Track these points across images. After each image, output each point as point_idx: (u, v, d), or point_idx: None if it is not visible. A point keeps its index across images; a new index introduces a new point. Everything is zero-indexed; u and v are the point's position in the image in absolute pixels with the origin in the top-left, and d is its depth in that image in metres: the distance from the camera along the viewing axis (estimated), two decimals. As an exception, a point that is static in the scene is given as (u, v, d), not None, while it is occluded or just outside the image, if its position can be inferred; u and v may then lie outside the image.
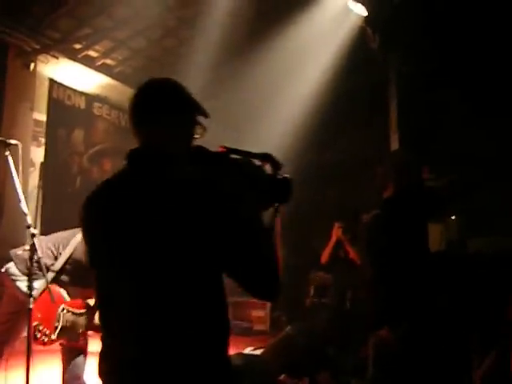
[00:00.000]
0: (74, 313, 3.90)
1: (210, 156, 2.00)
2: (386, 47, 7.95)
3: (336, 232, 4.54)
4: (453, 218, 16.33)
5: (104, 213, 1.88)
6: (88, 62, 9.62)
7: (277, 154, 2.16)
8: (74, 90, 9.44)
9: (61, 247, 3.93)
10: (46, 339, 3.76)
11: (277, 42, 7.81)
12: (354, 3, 7.26)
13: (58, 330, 3.82)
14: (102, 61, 9.86)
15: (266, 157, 2.09)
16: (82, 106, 9.66)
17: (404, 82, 8.40)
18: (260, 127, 7.90)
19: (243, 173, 2.01)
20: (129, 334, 1.80)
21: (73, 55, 9.35)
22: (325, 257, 5.32)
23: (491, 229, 16.42)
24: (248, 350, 5.58)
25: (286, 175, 2.12)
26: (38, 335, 3.72)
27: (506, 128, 13.53)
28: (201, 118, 2.04)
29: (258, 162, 2.08)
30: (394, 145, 7.92)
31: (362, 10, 7.24)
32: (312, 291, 8.42)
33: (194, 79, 8.38)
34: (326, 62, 8.11)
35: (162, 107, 1.96)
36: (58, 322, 3.84)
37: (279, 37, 7.77)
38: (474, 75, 11.19)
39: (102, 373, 1.87)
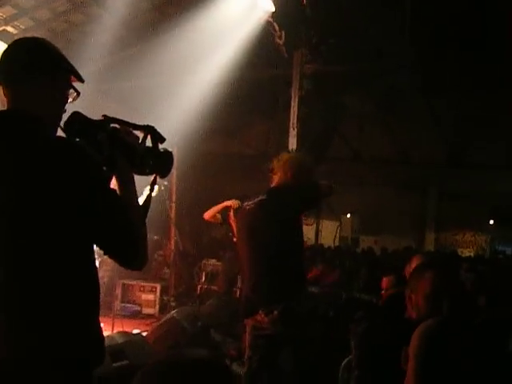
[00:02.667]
0: None
1: (87, 122, 1.95)
2: (292, 44, 8.13)
3: (233, 203, 4.56)
4: (348, 216, 16.97)
5: None
6: (6, 37, 9.13)
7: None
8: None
9: None
10: None
11: (185, 29, 7.77)
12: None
13: None
14: (2, 27, 9.41)
15: (147, 128, 2.07)
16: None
17: (306, 81, 8.63)
18: (164, 113, 7.83)
19: (121, 141, 1.98)
20: None
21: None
22: (208, 214, 5.31)
23: (381, 228, 17.18)
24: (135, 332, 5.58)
25: (167, 149, 2.13)
26: None
27: (403, 132, 14.24)
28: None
29: (139, 134, 2.06)
30: (292, 140, 8.13)
31: (269, 5, 7.32)
32: (203, 277, 8.54)
33: (100, 59, 8.22)
34: (233, 53, 8.15)
35: (29, 66, 1.87)
36: None
37: (188, 23, 7.74)
38: (375, 79, 11.70)
39: None
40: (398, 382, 2.27)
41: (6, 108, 1.90)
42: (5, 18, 9.26)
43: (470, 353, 2.15)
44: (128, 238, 1.84)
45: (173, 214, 8.55)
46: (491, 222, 17.40)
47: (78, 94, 2.01)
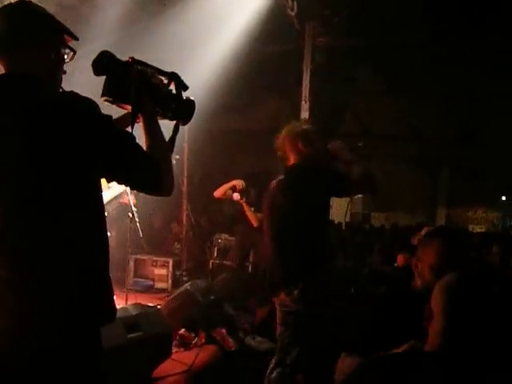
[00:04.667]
0: None
1: (115, 60, 1.99)
2: (304, 16, 8.02)
3: (237, 183, 4.54)
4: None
5: None
6: None
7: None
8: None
9: None
10: None
11: (193, 2, 7.69)
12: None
13: None
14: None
15: (172, 76, 2.13)
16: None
17: (318, 54, 8.53)
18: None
19: (147, 80, 2.03)
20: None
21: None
22: (218, 192, 5.29)
23: (392, 204, 17.12)
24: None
25: (189, 97, 2.19)
26: None
27: (414, 108, 14.11)
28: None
29: (163, 79, 2.12)
30: (304, 114, 8.06)
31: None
32: (215, 252, 8.55)
33: (110, 34, 8.15)
34: (244, 26, 8.04)
35: (15, 31, 1.88)
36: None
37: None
38: (387, 53, 11.55)
39: None
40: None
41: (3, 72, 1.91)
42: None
43: (493, 301, 2.13)
44: (148, 168, 1.88)
45: (185, 189, 8.56)
46: (503, 198, 17.28)
47: (75, 52, 2.02)
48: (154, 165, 1.89)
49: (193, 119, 2.22)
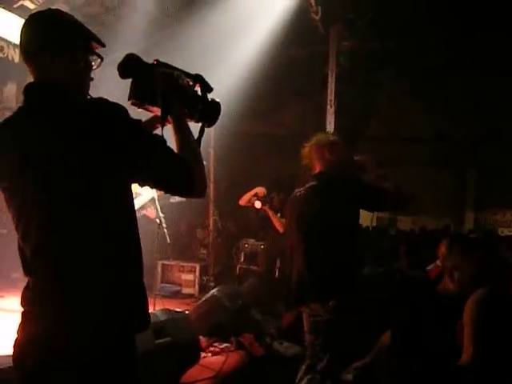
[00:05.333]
0: None
1: (142, 62, 2.00)
2: (328, 20, 8.00)
3: (259, 190, 4.54)
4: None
5: (13, 143, 1.86)
6: (25, 12, 9.23)
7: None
8: (8, 42, 9.09)
9: None
10: None
11: (218, 7, 7.72)
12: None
13: None
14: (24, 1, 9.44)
15: (197, 78, 2.13)
16: (16, 59, 9.32)
17: (343, 58, 8.50)
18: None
19: (173, 82, 2.03)
20: (41, 260, 1.82)
21: (8, 4, 8.98)
22: (242, 200, 5.29)
23: (418, 208, 16.97)
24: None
25: (215, 99, 2.18)
26: None
27: (440, 110, 13.96)
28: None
29: (189, 81, 2.12)
30: (330, 118, 8.04)
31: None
32: (242, 258, 8.54)
33: (135, 43, 8.22)
34: (269, 30, 8.07)
35: (46, 40, 1.89)
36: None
37: (221, 1, 7.69)
38: (411, 57, 11.48)
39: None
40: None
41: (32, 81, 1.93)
42: (41, 3, 9.32)
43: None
44: (180, 169, 1.88)
45: (211, 194, 8.58)
46: (532, 199, 17.00)
47: (102, 59, 2.02)
48: (185, 166, 1.89)
49: (218, 122, 2.22)
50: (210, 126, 2.20)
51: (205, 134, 2.16)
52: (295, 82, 10.57)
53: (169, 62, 2.09)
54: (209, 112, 2.16)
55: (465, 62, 11.21)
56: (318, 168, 3.80)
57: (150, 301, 6.14)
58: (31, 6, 9.27)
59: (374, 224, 15.26)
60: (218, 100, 2.19)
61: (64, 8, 9.54)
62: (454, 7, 8.60)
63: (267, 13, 7.77)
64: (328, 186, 3.67)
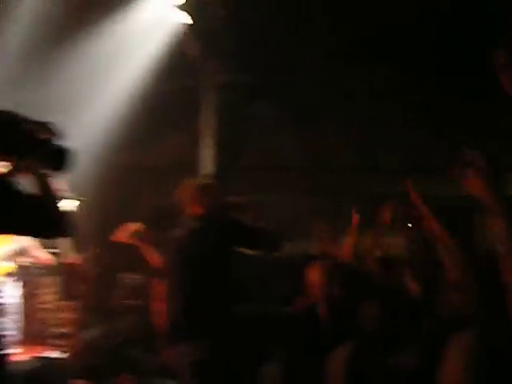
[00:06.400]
0: None
1: None
2: (205, 55, 8.13)
3: (136, 227, 4.48)
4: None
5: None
6: None
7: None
8: None
9: None
10: None
11: (94, 39, 7.64)
12: (177, 10, 7.26)
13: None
14: None
15: (41, 124, 2.20)
16: None
17: (219, 91, 8.67)
18: (72, 124, 7.57)
19: (15, 130, 2.07)
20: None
21: None
22: (117, 236, 5.14)
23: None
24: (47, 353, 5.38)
25: (62, 144, 2.23)
26: None
27: (315, 139, 14.46)
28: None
29: (33, 127, 2.14)
30: (207, 151, 8.16)
31: (186, 18, 7.27)
32: (121, 293, 8.34)
33: (4, 69, 7.89)
34: (147, 63, 8.10)
35: None
36: None
37: (96, 33, 7.61)
38: (287, 88, 11.86)
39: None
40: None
41: None
42: None
43: None
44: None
45: (90, 230, 8.34)
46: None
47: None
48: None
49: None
50: (59, 172, 2.22)
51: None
52: (173, 113, 10.61)
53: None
54: (53, 158, 2.19)
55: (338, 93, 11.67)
56: (196, 210, 3.87)
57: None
58: None
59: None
60: (64, 146, 2.24)
61: None
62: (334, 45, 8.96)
63: (143, 47, 7.79)
64: (208, 231, 3.76)
